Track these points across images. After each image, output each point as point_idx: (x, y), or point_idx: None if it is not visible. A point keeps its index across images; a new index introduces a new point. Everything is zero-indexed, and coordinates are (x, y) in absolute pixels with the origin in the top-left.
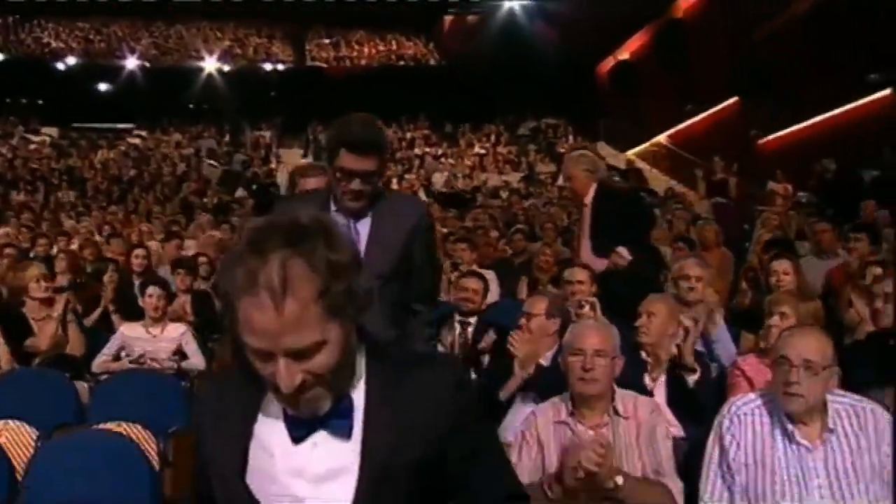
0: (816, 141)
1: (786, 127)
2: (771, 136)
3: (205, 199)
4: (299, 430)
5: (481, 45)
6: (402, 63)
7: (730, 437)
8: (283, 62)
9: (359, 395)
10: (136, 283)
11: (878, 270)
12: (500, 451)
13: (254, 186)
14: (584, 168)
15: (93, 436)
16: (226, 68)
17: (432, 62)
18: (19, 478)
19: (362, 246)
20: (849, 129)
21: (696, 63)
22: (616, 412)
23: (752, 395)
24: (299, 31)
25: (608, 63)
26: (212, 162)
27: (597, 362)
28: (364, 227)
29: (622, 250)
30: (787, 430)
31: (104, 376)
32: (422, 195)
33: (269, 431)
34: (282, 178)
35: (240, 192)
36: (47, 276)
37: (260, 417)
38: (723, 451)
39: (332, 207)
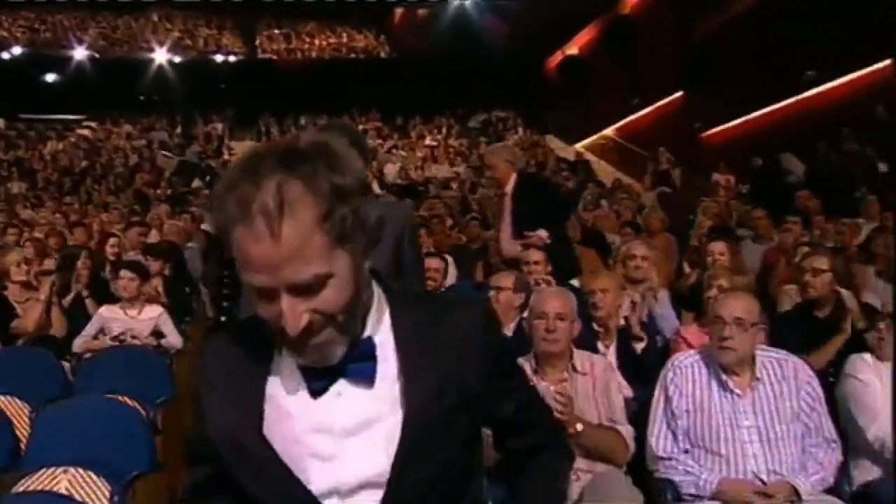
0: (756, 135)
1: (727, 121)
2: (713, 130)
3: (158, 190)
4: (318, 382)
5: (432, 39)
6: (353, 56)
7: (673, 388)
8: (234, 54)
9: (384, 339)
10: (108, 268)
11: (807, 249)
12: (534, 388)
13: (207, 178)
14: (506, 159)
15: (90, 402)
16: (176, 60)
17: (383, 55)
18: (21, 445)
19: None
20: (786, 123)
21: (642, 58)
22: (574, 369)
23: (691, 352)
24: (249, 23)
25: (557, 57)
26: (167, 153)
27: (558, 325)
28: None
29: (542, 233)
30: (722, 380)
31: (87, 354)
32: (375, 187)
33: (285, 388)
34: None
35: (196, 183)
36: (28, 261)
37: (272, 374)
38: (667, 400)
39: None
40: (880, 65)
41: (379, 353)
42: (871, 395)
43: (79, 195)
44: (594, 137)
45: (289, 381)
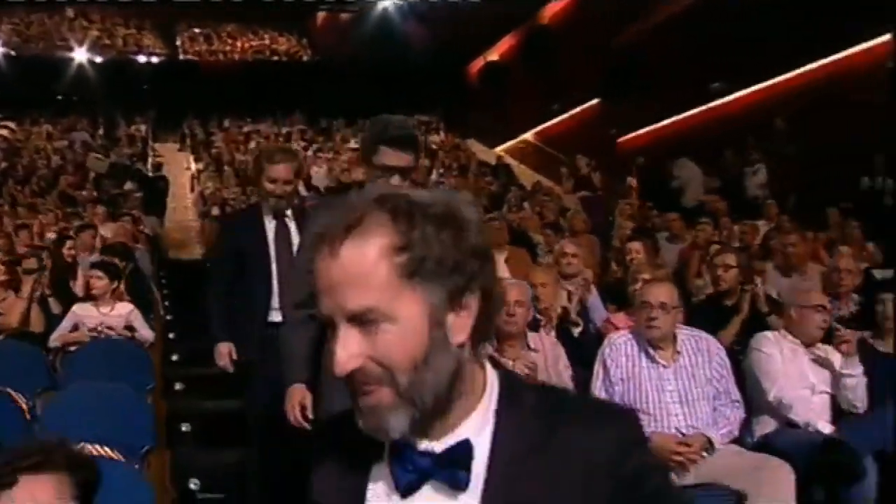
0: (668, 140)
1: (641, 127)
2: (628, 136)
3: (84, 192)
4: (405, 477)
5: (354, 42)
6: (275, 58)
7: (610, 361)
8: (155, 55)
9: (482, 443)
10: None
11: (718, 247)
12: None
13: (134, 180)
14: None
15: (90, 387)
16: (97, 59)
17: (305, 58)
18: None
19: None
20: (696, 130)
21: (560, 66)
22: (529, 347)
23: (624, 332)
24: (169, 23)
25: (478, 63)
26: (98, 155)
27: (517, 310)
28: None
29: None
30: (649, 354)
31: (73, 347)
32: (301, 190)
33: (381, 479)
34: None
35: (128, 185)
36: (3, 261)
37: (374, 471)
38: (605, 371)
39: None
40: (781, 78)
41: (475, 460)
42: (772, 365)
43: (2, 196)
44: (514, 141)
45: (384, 483)
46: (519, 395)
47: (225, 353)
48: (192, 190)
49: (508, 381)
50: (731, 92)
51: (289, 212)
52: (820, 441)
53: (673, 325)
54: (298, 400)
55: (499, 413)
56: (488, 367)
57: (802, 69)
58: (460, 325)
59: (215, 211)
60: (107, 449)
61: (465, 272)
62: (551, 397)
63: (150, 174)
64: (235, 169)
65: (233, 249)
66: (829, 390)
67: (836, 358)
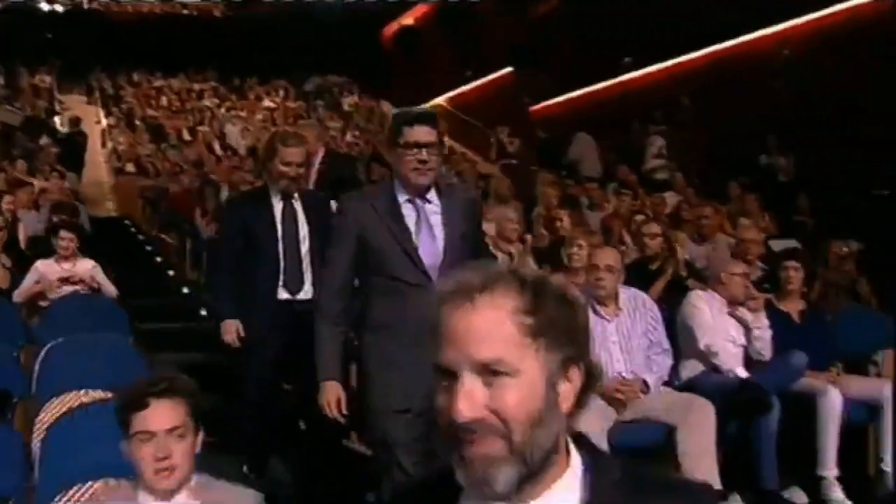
0: (577, 111)
1: (553, 97)
2: (539, 105)
3: None
4: None
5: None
6: (185, 12)
7: None
8: (58, 2)
9: None
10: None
11: (642, 217)
12: None
13: (50, 135)
14: (316, 135)
15: (84, 338)
16: None
17: (217, 13)
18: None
19: (436, 230)
20: (605, 103)
21: (475, 34)
22: None
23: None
24: None
25: (393, 27)
26: (10, 108)
27: None
28: (434, 213)
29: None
30: (596, 309)
31: (42, 303)
32: (216, 147)
33: None
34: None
35: (44, 140)
36: None
37: None
38: None
39: (400, 197)
40: (687, 57)
41: None
42: (704, 318)
43: None
44: (427, 105)
45: None
46: (603, 466)
47: (232, 329)
48: (104, 145)
49: (593, 454)
50: (639, 67)
51: (296, 193)
52: (736, 383)
53: (616, 284)
54: (334, 395)
55: (584, 482)
56: (569, 439)
57: (707, 50)
58: (567, 394)
59: (130, 168)
60: (109, 395)
61: (577, 345)
62: (635, 471)
63: (67, 129)
64: (147, 125)
65: (240, 228)
66: (744, 343)
67: (746, 315)
